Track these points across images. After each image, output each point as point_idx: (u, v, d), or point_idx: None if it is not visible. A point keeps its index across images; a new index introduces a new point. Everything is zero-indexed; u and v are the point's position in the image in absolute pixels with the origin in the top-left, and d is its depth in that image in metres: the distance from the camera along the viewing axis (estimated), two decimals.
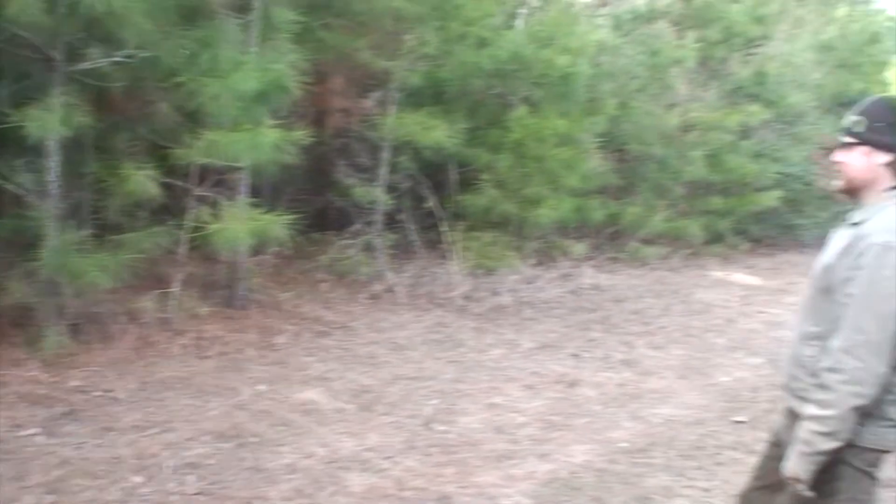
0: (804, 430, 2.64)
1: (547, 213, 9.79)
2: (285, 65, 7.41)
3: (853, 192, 2.81)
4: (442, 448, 5.24)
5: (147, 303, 6.75)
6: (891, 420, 2.66)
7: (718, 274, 12.56)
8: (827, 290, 2.72)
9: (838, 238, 2.78)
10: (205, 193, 7.17)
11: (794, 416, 2.81)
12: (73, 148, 6.79)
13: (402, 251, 10.19)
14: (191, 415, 5.52)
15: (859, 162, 2.75)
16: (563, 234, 11.33)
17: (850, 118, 2.80)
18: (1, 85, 6.49)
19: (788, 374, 2.90)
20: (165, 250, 7.15)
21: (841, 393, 2.56)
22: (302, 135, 7.12)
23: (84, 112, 6.15)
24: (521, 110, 9.84)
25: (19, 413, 5.36)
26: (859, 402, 2.55)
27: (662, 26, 12.97)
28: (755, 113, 13.65)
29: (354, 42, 9.40)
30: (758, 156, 14.26)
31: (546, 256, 11.02)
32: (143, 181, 6.56)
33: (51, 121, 5.92)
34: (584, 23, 11.06)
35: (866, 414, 2.60)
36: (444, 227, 9.79)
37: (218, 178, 7.56)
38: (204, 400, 5.80)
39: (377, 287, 9.27)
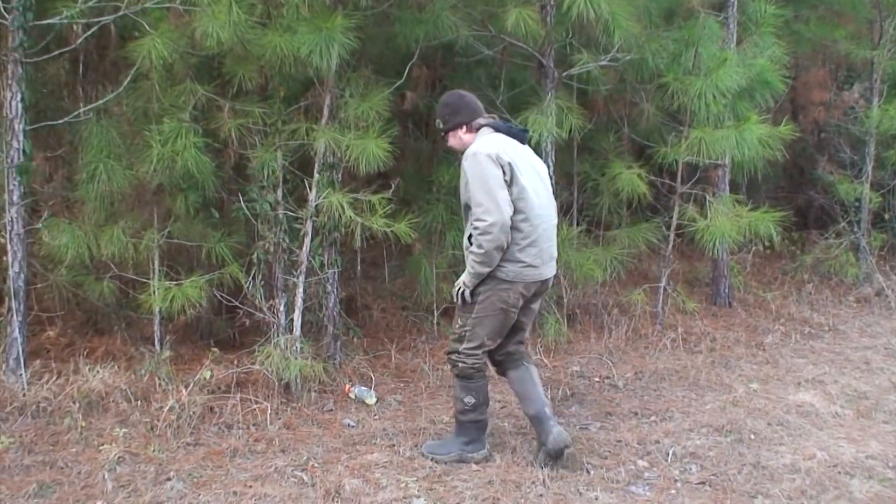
0: (470, 262, 4.33)
1: None
2: (767, 59, 7.33)
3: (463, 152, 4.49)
4: None
5: (637, 296, 6.93)
6: (522, 262, 4.37)
7: None
8: (462, 199, 4.45)
9: None
10: (688, 191, 7.20)
11: None
12: (562, 148, 7.19)
13: (891, 252, 9.51)
14: (686, 406, 5.58)
15: (454, 141, 4.61)
16: None
17: (437, 122, 4.67)
18: (499, 92, 7.04)
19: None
20: (651, 246, 7.30)
21: (483, 240, 4.24)
22: (788, 129, 6.95)
23: (574, 114, 6.47)
24: None
25: None
26: (495, 244, 4.24)
27: None
28: None
29: (832, 33, 9.04)
30: None
31: None
32: (631, 179, 6.75)
33: (546, 123, 6.30)
34: None
35: (506, 258, 4.33)
36: None
37: (701, 176, 7.58)
38: (698, 393, 5.84)
39: (866, 290, 8.71)
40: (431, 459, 4.62)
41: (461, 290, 4.44)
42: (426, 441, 4.83)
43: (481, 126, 4.52)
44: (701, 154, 6.78)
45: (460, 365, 4.54)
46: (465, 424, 4.64)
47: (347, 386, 5.55)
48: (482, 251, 4.25)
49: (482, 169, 4.26)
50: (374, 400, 5.45)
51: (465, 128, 4.53)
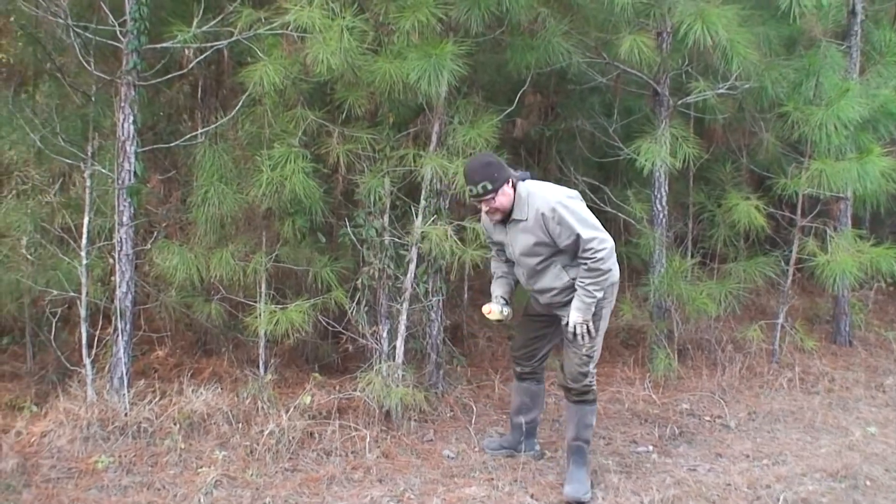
0: (588, 291, 4.35)
1: None
2: (892, 90, 7.06)
3: (507, 212, 4.48)
4: None
5: (752, 333, 6.68)
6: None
7: None
8: (537, 254, 4.45)
9: (519, 235, 4.48)
10: (808, 224, 6.94)
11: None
12: (677, 178, 7.02)
13: None
14: (801, 450, 5.33)
15: (502, 198, 4.41)
16: None
17: (478, 187, 4.37)
18: (612, 120, 6.93)
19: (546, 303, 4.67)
20: (769, 281, 7.05)
21: (608, 262, 4.32)
22: None
23: (690, 143, 6.30)
24: None
25: (634, 430, 5.61)
26: (614, 263, 4.39)
27: None
28: None
29: None
30: None
31: None
32: (749, 211, 6.53)
33: (659, 152, 6.15)
34: None
35: None
36: None
37: (822, 209, 7.31)
38: (813, 436, 5.58)
39: None
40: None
41: (584, 325, 4.43)
42: (569, 487, 4.49)
43: (517, 179, 4.48)
44: (822, 186, 6.56)
45: (593, 388, 4.62)
46: (585, 453, 4.64)
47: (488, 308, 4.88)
48: (608, 272, 4.33)
49: (577, 207, 4.39)
50: (507, 312, 4.83)
51: (509, 182, 4.42)
